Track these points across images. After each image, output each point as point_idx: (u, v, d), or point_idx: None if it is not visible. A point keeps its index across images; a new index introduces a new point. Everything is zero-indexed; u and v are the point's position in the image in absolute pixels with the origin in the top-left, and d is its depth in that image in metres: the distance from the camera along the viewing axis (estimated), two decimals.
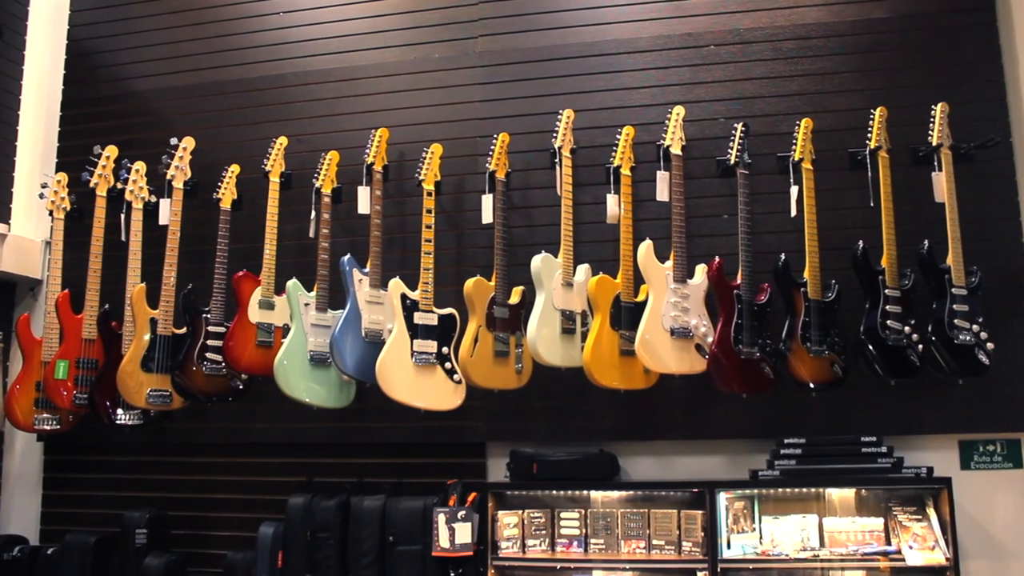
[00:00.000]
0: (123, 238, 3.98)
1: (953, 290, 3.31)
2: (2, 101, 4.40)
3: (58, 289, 3.95)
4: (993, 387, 3.40)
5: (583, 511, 3.51)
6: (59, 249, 4.02)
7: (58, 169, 4.34)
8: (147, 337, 3.78)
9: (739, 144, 3.53)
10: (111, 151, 4.10)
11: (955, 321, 3.28)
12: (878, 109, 3.52)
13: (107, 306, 3.93)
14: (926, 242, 3.35)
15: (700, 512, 3.36)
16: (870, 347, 3.31)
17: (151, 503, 3.96)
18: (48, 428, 3.94)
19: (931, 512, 3.26)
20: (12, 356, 4.22)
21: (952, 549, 3.11)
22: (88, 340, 3.91)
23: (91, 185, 4.04)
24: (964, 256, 3.36)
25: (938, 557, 3.13)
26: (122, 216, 4.03)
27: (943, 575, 3.14)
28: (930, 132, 3.47)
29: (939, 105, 3.48)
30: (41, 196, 4.12)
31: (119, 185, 4.07)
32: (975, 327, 3.29)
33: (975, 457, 3.47)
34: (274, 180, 3.86)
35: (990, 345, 3.29)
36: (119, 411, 3.84)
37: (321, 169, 3.83)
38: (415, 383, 3.48)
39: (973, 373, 3.29)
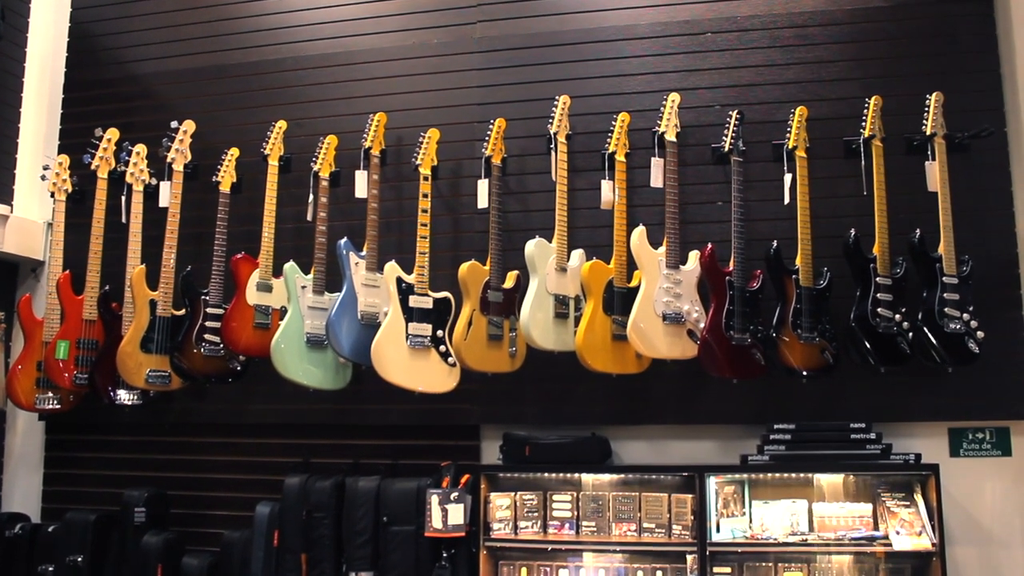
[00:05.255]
0: (124, 220, 4.03)
1: (944, 279, 3.32)
2: (5, 83, 4.43)
3: (59, 270, 3.99)
4: (984, 376, 3.42)
5: (575, 494, 3.54)
6: (60, 231, 4.07)
7: (60, 151, 4.37)
8: (147, 318, 3.82)
9: (733, 131, 3.54)
10: (112, 134, 4.14)
11: (945, 310, 3.30)
12: (873, 98, 3.52)
13: (107, 287, 3.97)
14: (917, 231, 3.36)
15: (690, 496, 3.39)
16: (860, 335, 3.32)
17: (150, 482, 4.01)
18: (49, 408, 3.98)
19: (919, 498, 3.29)
20: (14, 336, 4.27)
21: (939, 535, 3.14)
22: (89, 321, 3.95)
23: (92, 167, 4.08)
24: (957, 245, 3.38)
25: (924, 543, 3.16)
26: (123, 198, 4.07)
27: (929, 560, 3.18)
28: (924, 121, 3.48)
29: (934, 94, 3.48)
30: (43, 178, 4.16)
31: (120, 167, 4.10)
32: (965, 316, 3.31)
33: (964, 444, 3.49)
34: (273, 164, 3.90)
35: (980, 334, 3.31)
36: (119, 391, 3.89)
37: (319, 153, 3.86)
38: (410, 366, 3.52)
39: (962, 361, 3.31)
